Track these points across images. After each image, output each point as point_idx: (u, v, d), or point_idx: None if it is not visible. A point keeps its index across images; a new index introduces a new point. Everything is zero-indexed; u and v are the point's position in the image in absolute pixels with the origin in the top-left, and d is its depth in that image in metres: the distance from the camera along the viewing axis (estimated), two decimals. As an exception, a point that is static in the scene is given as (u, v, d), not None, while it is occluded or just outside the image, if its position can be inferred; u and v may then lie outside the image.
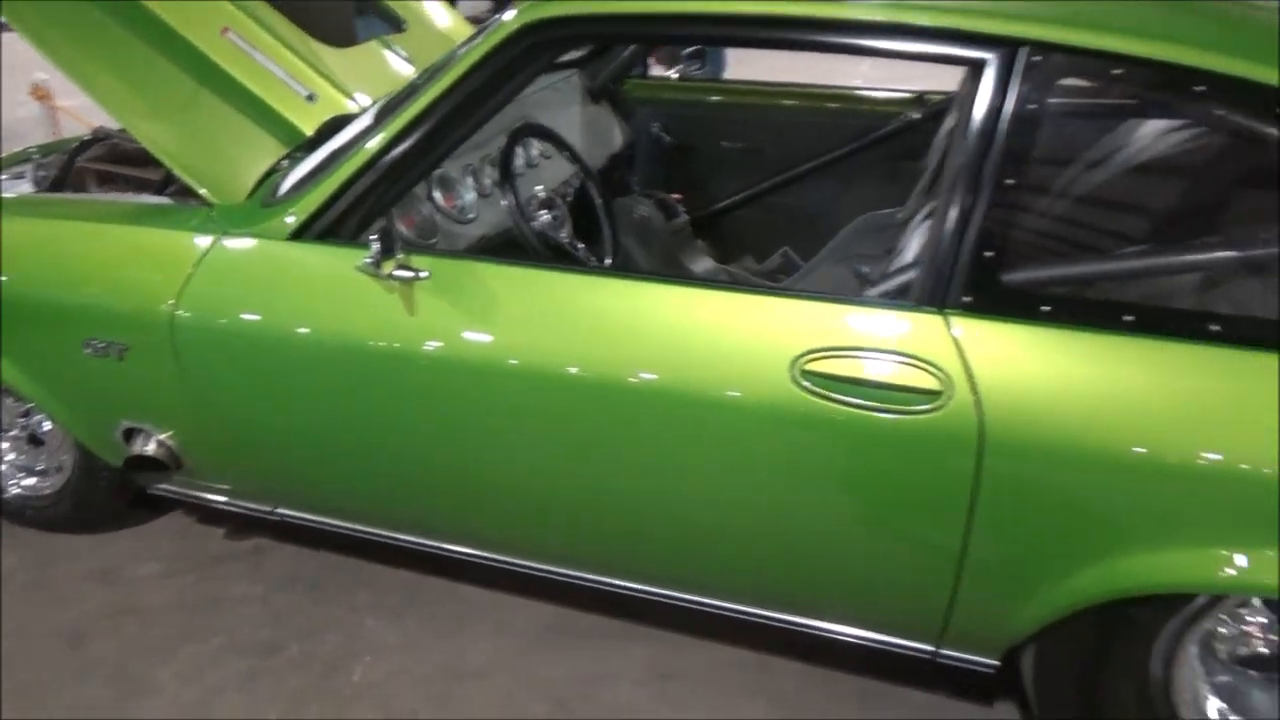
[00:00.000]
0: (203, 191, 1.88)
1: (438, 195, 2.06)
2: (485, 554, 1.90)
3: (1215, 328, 1.31)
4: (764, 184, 2.87)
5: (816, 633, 1.72)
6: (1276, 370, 1.29)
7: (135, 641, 2.03)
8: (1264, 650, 1.63)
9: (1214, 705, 1.54)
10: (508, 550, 1.88)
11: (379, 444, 1.76)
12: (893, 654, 1.68)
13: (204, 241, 1.79)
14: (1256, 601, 1.61)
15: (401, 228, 1.90)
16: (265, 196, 1.87)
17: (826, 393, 1.40)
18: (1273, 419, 1.27)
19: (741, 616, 1.77)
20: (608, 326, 1.53)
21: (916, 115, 2.64)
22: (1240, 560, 1.31)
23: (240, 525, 2.34)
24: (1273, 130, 1.34)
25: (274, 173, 2.00)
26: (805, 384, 1.41)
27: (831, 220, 2.58)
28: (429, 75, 1.77)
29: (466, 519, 1.85)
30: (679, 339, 1.50)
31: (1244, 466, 1.27)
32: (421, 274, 1.61)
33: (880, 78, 2.98)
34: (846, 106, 2.81)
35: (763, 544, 1.60)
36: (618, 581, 1.81)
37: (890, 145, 2.68)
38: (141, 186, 2.25)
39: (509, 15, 1.64)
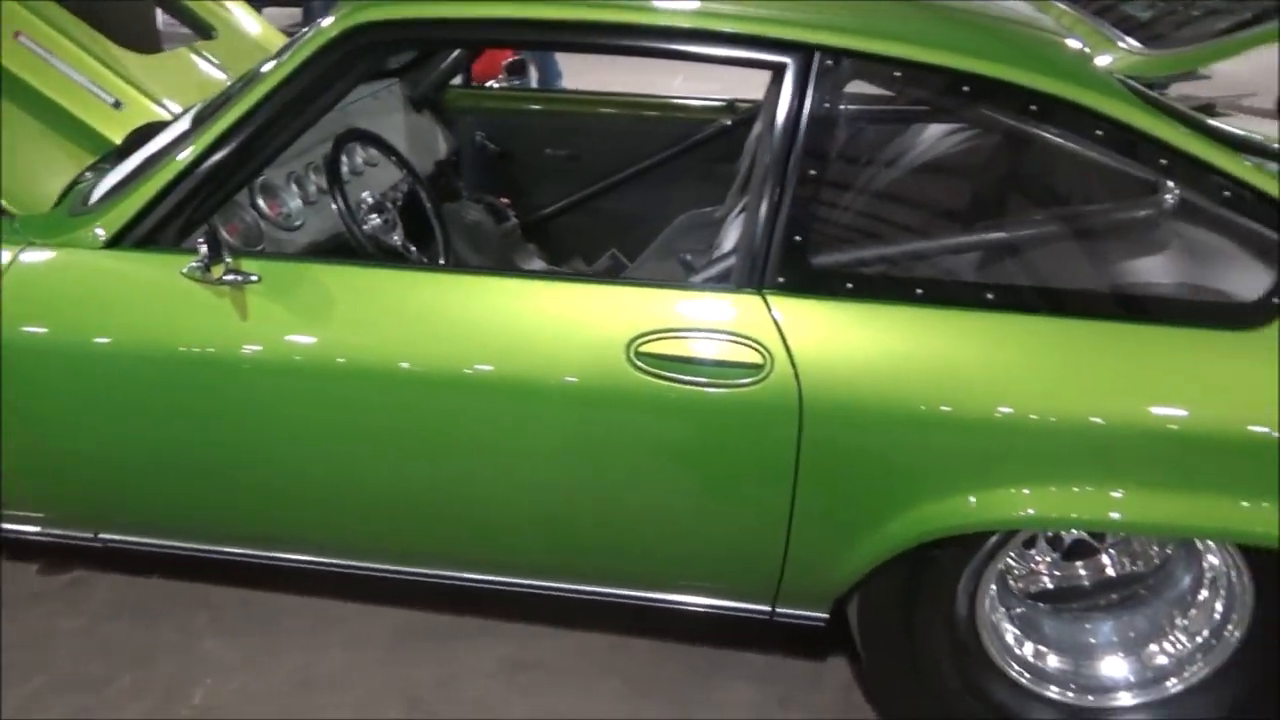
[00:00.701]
0: (1, 202, 1.78)
1: (261, 202, 2.02)
2: (330, 561, 1.88)
3: (991, 296, 1.49)
4: (588, 190, 2.96)
5: (664, 606, 1.81)
6: (1044, 329, 1.47)
7: (-59, 690, 1.89)
8: (1049, 585, 1.86)
9: (1011, 634, 1.74)
10: (353, 555, 1.87)
11: (213, 454, 1.71)
12: (735, 619, 1.78)
13: (3, 255, 1.70)
14: (1043, 543, 1.83)
15: (225, 235, 1.86)
16: (73, 205, 1.79)
17: (660, 372, 1.50)
18: (1042, 371, 1.46)
19: (592, 598, 1.83)
20: (446, 321, 1.57)
21: (729, 121, 2.81)
22: (1022, 500, 1.49)
23: (57, 557, 2.20)
24: (1032, 129, 1.54)
25: (80, 182, 1.91)
26: (640, 365, 1.50)
27: (654, 223, 2.70)
28: (247, 80, 1.75)
29: (310, 525, 1.83)
30: (516, 330, 1.55)
31: (1024, 416, 1.45)
32: (252, 278, 1.59)
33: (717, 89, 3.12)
34: (664, 114, 2.94)
35: (607, 523, 1.67)
36: (468, 576, 1.84)
37: (706, 150, 2.84)
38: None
39: (328, 20, 1.65)
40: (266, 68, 1.70)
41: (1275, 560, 1.51)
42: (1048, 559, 1.86)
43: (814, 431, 1.49)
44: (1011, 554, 1.85)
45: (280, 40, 2.71)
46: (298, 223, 2.10)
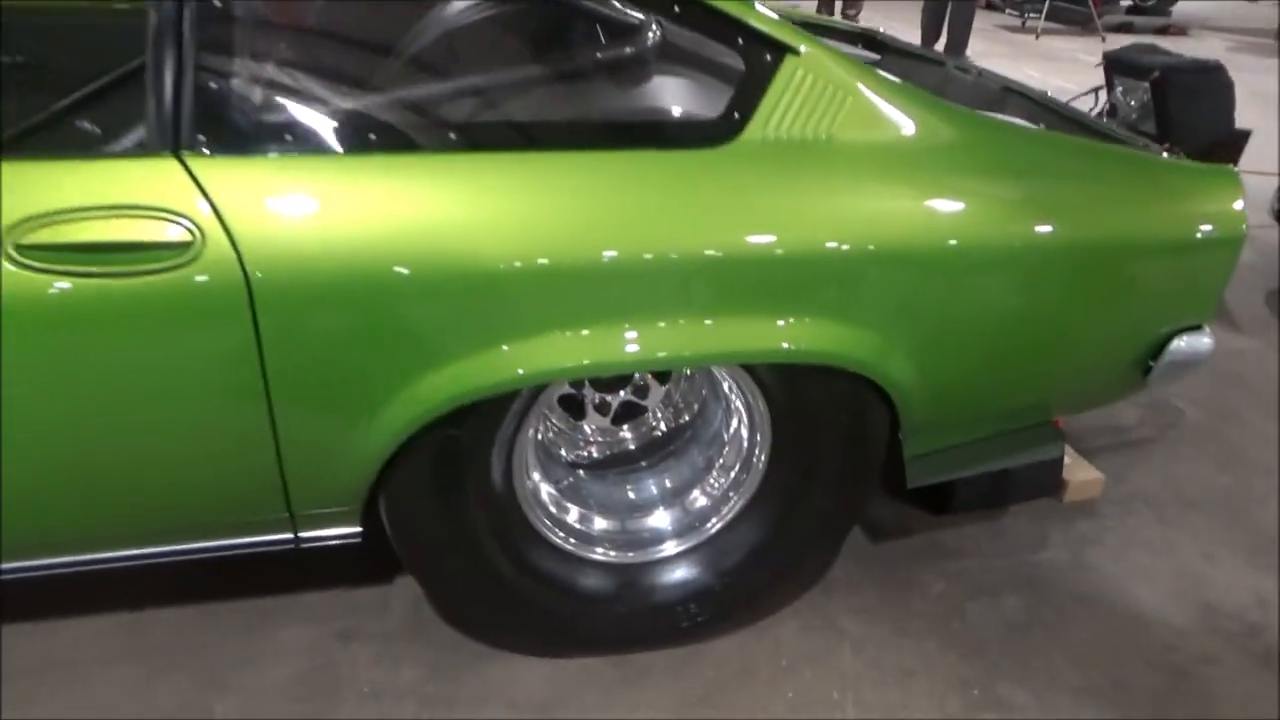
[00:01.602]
0: None
1: None
2: None
3: (455, 137, 1.32)
4: (58, 105, 2.44)
5: (172, 560, 1.50)
6: (525, 166, 1.33)
7: None
8: (598, 454, 1.80)
9: (554, 502, 1.65)
10: None
11: None
12: (264, 558, 1.53)
13: None
14: (593, 412, 1.76)
15: None
16: None
17: (53, 266, 1.17)
18: (528, 210, 1.31)
19: (79, 571, 1.47)
20: None
21: None
22: (539, 354, 1.34)
23: None
24: None
25: None
26: (23, 260, 1.17)
27: None
28: None
29: None
30: None
31: (517, 261, 1.29)
32: None
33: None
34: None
35: (51, 471, 1.33)
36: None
37: None
38: None
39: None
40: None
41: (784, 377, 1.51)
42: (590, 428, 1.80)
43: (270, 312, 1.24)
44: (558, 426, 1.76)
45: None
46: None
